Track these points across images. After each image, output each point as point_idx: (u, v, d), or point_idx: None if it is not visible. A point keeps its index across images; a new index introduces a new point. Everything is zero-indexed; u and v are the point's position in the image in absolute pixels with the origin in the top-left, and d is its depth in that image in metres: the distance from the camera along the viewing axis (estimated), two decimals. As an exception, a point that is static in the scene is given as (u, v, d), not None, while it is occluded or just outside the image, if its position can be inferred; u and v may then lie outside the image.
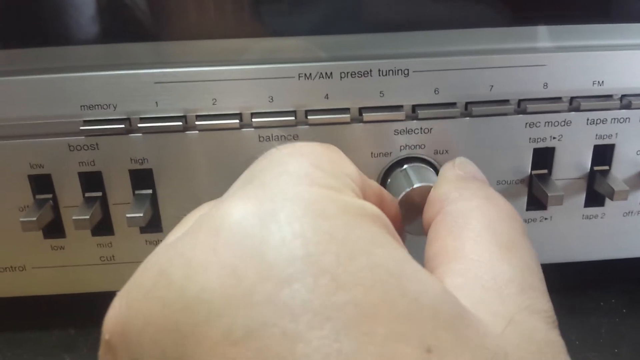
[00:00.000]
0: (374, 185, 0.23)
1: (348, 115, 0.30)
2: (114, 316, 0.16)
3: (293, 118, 0.30)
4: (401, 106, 0.31)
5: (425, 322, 0.14)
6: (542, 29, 0.31)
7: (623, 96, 0.32)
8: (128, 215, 0.30)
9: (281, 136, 0.31)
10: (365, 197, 0.20)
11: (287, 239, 0.15)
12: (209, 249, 0.15)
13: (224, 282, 0.14)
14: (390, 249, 0.16)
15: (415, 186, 0.29)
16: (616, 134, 0.32)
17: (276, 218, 0.15)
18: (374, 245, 0.15)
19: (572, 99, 0.31)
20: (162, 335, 0.15)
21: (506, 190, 0.33)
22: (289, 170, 0.18)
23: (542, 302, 0.17)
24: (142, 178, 0.31)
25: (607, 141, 0.32)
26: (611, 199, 0.32)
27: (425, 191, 0.29)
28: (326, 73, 0.30)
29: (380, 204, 0.23)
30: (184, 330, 0.14)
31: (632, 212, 0.34)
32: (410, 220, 0.29)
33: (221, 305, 0.14)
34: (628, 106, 0.31)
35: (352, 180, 0.20)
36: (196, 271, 0.15)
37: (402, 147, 0.32)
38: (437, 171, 0.32)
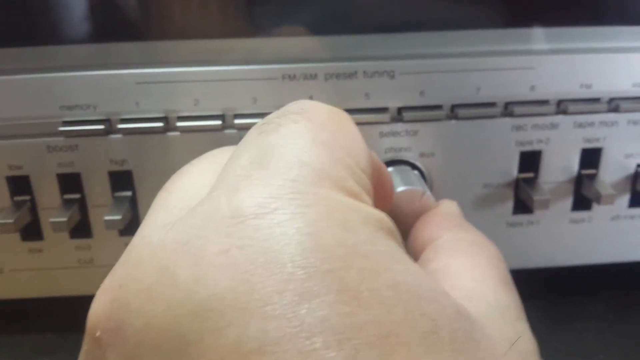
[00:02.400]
0: (376, 163, 0.22)
1: (332, 117, 0.30)
2: (105, 311, 0.15)
3: (276, 120, 0.30)
4: (386, 108, 0.30)
5: (442, 346, 0.13)
6: (530, 32, 0.30)
7: (611, 99, 0.31)
8: (106, 217, 0.29)
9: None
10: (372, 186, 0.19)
11: (308, 249, 0.14)
12: (220, 250, 0.14)
13: (237, 289, 0.13)
14: (408, 265, 0.15)
15: (399, 190, 0.29)
16: (604, 137, 0.32)
17: (296, 223, 0.14)
18: (394, 261, 0.15)
19: (559, 102, 0.31)
20: (164, 339, 0.14)
21: (492, 193, 0.33)
22: (307, 162, 0.16)
23: (530, 335, 0.18)
24: (122, 180, 0.31)
25: (594, 145, 0.32)
26: (598, 203, 0.31)
27: (408, 195, 0.29)
28: (310, 74, 0.29)
29: (379, 179, 0.22)
30: (190, 338, 0.13)
31: (619, 216, 0.34)
32: None
33: (232, 313, 0.13)
34: (616, 109, 0.31)
35: (364, 170, 0.18)
36: (206, 274, 0.14)
37: (387, 150, 0.31)
38: (422, 174, 0.32)
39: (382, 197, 0.22)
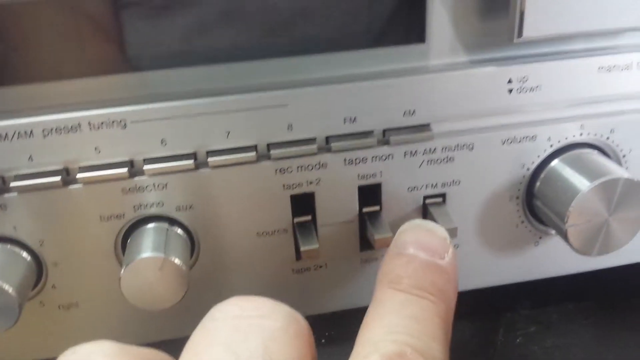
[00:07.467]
0: None
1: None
2: None
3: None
4: (122, 162, 0.26)
5: None
6: (278, 62, 0.27)
7: (384, 131, 0.29)
8: None
9: None
10: None
11: None
12: None
13: None
14: None
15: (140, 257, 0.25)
16: (380, 172, 0.29)
17: None
18: None
19: (326, 138, 0.28)
20: None
21: (270, 241, 0.29)
22: None
23: None
24: None
25: (371, 181, 0.29)
26: (374, 247, 0.29)
27: (149, 263, 0.25)
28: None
29: None
30: None
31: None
32: None
33: None
34: (387, 142, 0.28)
35: None
36: None
37: (136, 207, 0.27)
38: (185, 229, 0.28)
39: None
